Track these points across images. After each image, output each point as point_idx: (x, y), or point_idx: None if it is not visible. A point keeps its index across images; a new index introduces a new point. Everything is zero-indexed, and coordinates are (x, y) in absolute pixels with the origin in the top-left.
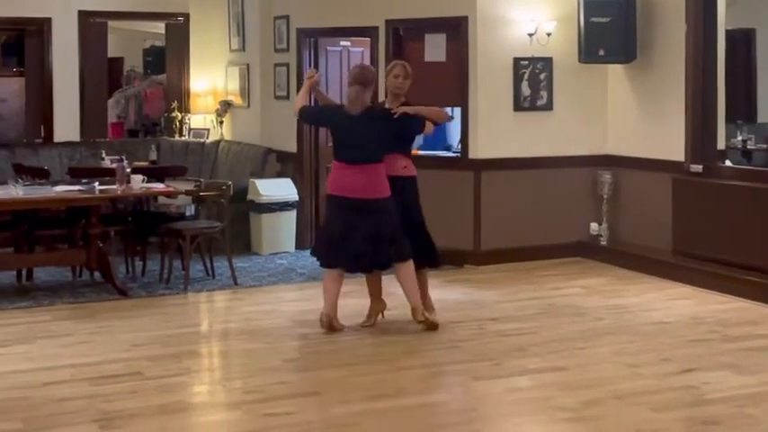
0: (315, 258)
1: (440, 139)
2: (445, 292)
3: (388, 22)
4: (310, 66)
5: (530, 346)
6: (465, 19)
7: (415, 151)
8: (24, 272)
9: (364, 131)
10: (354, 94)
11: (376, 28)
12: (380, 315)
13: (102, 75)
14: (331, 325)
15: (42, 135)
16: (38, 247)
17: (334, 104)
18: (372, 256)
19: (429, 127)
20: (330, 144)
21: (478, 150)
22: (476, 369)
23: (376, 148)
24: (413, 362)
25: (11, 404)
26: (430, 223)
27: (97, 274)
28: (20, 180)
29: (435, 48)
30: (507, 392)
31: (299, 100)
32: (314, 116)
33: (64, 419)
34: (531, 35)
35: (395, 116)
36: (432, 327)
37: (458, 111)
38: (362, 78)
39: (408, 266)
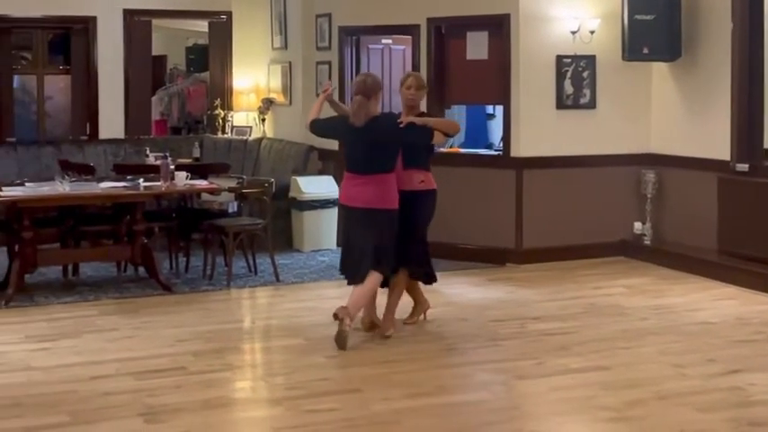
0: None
1: (481, 138)
2: (487, 290)
3: (429, 20)
4: (352, 64)
5: (572, 346)
6: (507, 17)
7: (455, 149)
8: (70, 267)
9: (368, 142)
10: (357, 105)
11: (418, 26)
12: (423, 315)
13: (146, 73)
14: (372, 325)
15: (88, 132)
16: (83, 242)
17: (342, 116)
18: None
19: (439, 138)
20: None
21: (520, 148)
22: (518, 368)
23: (383, 159)
24: (454, 360)
25: (58, 398)
26: (472, 221)
27: (141, 270)
28: (66, 176)
29: (477, 46)
30: (550, 391)
31: (311, 113)
32: (323, 129)
33: (110, 413)
34: (574, 33)
35: (401, 126)
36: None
37: (500, 109)
38: (364, 89)
39: (375, 278)
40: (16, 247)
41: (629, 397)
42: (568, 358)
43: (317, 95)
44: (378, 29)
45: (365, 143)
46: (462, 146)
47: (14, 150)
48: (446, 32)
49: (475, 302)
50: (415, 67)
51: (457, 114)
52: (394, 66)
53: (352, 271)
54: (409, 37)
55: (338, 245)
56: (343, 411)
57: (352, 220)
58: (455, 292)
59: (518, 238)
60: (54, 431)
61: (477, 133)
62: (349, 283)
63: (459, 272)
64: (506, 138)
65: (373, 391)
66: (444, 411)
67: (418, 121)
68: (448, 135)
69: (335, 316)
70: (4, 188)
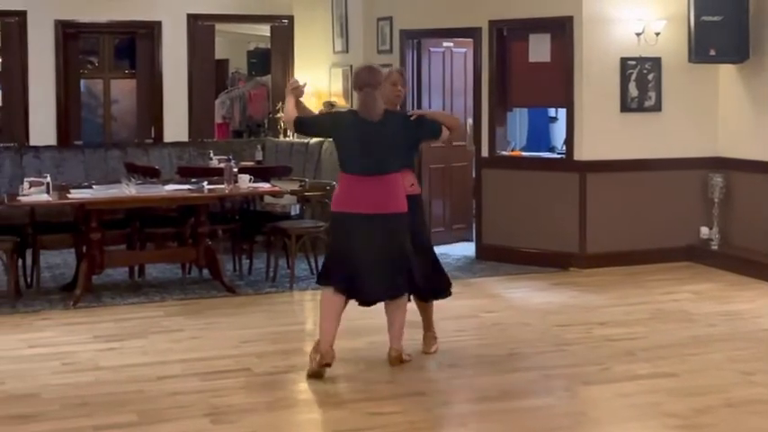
0: (322, 284)
1: (544, 141)
2: (551, 294)
3: (491, 22)
4: (413, 67)
5: (639, 351)
6: (570, 19)
7: (517, 152)
8: (136, 269)
9: (384, 139)
10: (372, 98)
11: (479, 29)
12: (435, 346)
13: (209, 76)
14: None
15: (153, 135)
16: (149, 244)
17: (338, 112)
18: (380, 286)
19: (446, 132)
20: (432, 144)
21: (584, 152)
22: (584, 373)
23: (395, 157)
24: (518, 364)
25: (126, 397)
26: (534, 225)
27: (206, 272)
28: (132, 179)
29: (540, 48)
30: (616, 397)
31: (291, 111)
32: (315, 126)
33: (176, 413)
34: (638, 35)
35: (411, 119)
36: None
37: (562, 112)
38: (375, 80)
39: (402, 302)
40: (84, 249)
41: (697, 404)
42: (635, 364)
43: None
44: (439, 32)
45: (380, 140)
46: (524, 149)
47: (82, 153)
48: (508, 35)
49: (538, 307)
50: (477, 69)
51: (519, 117)
52: (455, 69)
53: (351, 286)
54: (470, 40)
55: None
56: (406, 414)
57: (361, 229)
58: (517, 296)
59: (582, 242)
60: (122, 430)
61: (540, 136)
62: (361, 303)
63: (522, 276)
64: (569, 141)
65: (437, 395)
66: (509, 417)
67: (427, 113)
68: (450, 131)
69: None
70: (72, 190)
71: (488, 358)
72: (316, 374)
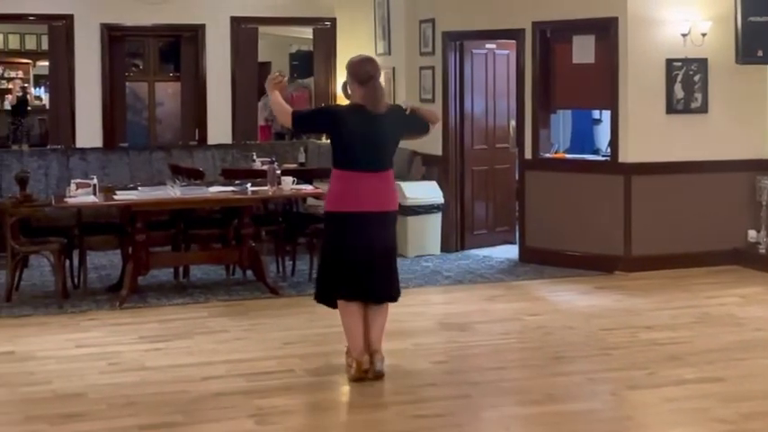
0: (323, 300)
1: (588, 143)
2: (595, 298)
3: (535, 24)
4: (456, 69)
5: (685, 356)
6: (615, 20)
7: (561, 154)
8: (181, 269)
9: (387, 133)
10: (380, 90)
11: (522, 30)
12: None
13: (252, 79)
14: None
15: (197, 137)
16: (193, 245)
17: (338, 105)
18: (384, 286)
19: (431, 128)
20: (474, 147)
21: (629, 154)
22: (629, 378)
23: (392, 152)
24: (563, 368)
25: (171, 397)
26: (579, 228)
27: (249, 273)
28: (176, 181)
29: (584, 49)
30: (663, 402)
31: (284, 106)
32: (315, 120)
33: (221, 414)
34: (684, 35)
35: (407, 113)
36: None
37: (606, 114)
38: (377, 72)
39: (386, 308)
40: (130, 250)
41: (745, 409)
42: (681, 369)
43: (421, 101)
44: (482, 34)
45: (384, 134)
46: (568, 151)
47: (127, 155)
48: (551, 36)
49: (582, 310)
50: (520, 71)
51: (562, 119)
52: (498, 71)
53: (360, 288)
54: (513, 41)
55: (322, 261)
56: (451, 417)
57: (366, 229)
58: (562, 299)
59: (627, 245)
60: (168, 430)
61: (584, 138)
62: (366, 299)
63: (566, 279)
64: (614, 143)
65: (482, 398)
66: (554, 420)
67: (416, 107)
68: (432, 125)
69: (364, 370)
70: (118, 192)
71: (533, 361)
72: (358, 379)
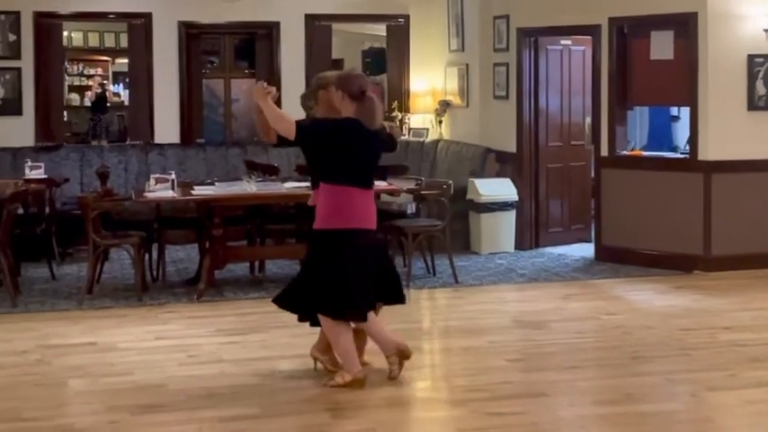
0: (346, 316)
1: (665, 140)
2: (674, 297)
3: (611, 19)
4: (530, 65)
5: (766, 358)
6: (694, 15)
7: (638, 152)
8: (257, 264)
9: (378, 150)
10: (377, 106)
11: (598, 26)
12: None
13: None
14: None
15: None
16: (268, 240)
17: (336, 118)
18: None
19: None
20: (549, 144)
21: (708, 152)
22: (709, 379)
23: (376, 169)
24: (641, 368)
25: (249, 390)
26: (657, 227)
27: None
28: (252, 176)
29: (662, 45)
30: (743, 405)
31: (283, 116)
32: (315, 132)
33: (298, 407)
34: (766, 30)
35: (387, 131)
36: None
37: (685, 111)
38: (368, 85)
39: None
40: (207, 244)
41: None
42: (763, 371)
43: (495, 98)
44: (557, 30)
45: (376, 151)
46: (645, 148)
47: (203, 151)
48: (629, 32)
49: (661, 310)
50: (596, 68)
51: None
52: (573, 67)
53: (366, 303)
54: (589, 37)
55: (329, 280)
56: (528, 416)
57: (368, 247)
58: (640, 298)
59: (706, 244)
60: (246, 422)
61: (661, 136)
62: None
63: (644, 278)
64: (693, 140)
65: (559, 397)
66: (633, 420)
67: (394, 126)
68: None
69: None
70: (195, 187)
71: (610, 361)
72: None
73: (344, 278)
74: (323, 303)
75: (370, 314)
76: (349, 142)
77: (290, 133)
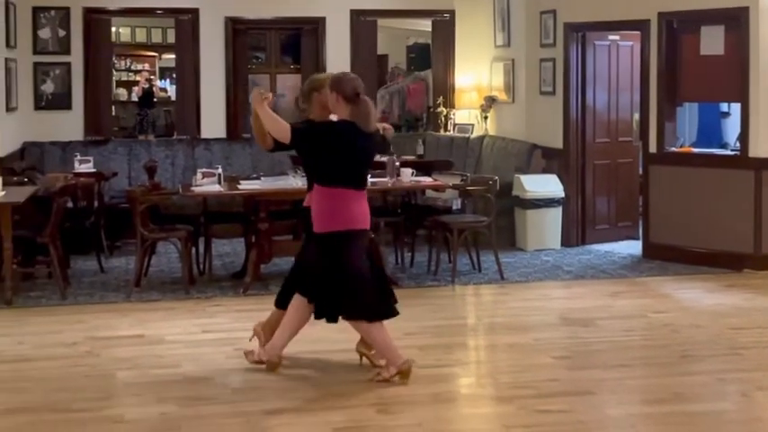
0: (380, 316)
1: (715, 137)
2: (723, 296)
3: (661, 14)
4: (578, 61)
5: None
6: (745, 10)
7: (687, 148)
8: None
9: (372, 152)
10: (372, 108)
11: (647, 21)
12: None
13: (371, 71)
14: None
15: None
16: None
17: (330, 121)
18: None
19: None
20: (596, 140)
21: (759, 148)
22: (760, 378)
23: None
24: (691, 367)
25: (295, 383)
26: (706, 224)
27: None
28: (297, 171)
29: (712, 40)
30: None
31: (278, 120)
32: (311, 137)
33: (344, 401)
34: None
35: (380, 133)
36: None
37: (735, 107)
38: (361, 87)
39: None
40: (253, 239)
41: None
42: None
43: (541, 93)
44: (605, 25)
45: (370, 153)
46: (694, 145)
47: (249, 146)
48: (678, 27)
49: (710, 308)
50: (645, 64)
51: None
52: (621, 62)
53: (391, 298)
54: (638, 32)
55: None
56: (575, 414)
57: (366, 246)
58: (688, 296)
59: (757, 242)
60: (292, 415)
61: (711, 132)
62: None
63: (692, 276)
64: (744, 137)
65: (607, 395)
66: (682, 420)
67: (388, 128)
68: None
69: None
70: (242, 181)
71: (659, 359)
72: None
73: (363, 279)
74: (351, 309)
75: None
76: (343, 144)
77: (285, 137)
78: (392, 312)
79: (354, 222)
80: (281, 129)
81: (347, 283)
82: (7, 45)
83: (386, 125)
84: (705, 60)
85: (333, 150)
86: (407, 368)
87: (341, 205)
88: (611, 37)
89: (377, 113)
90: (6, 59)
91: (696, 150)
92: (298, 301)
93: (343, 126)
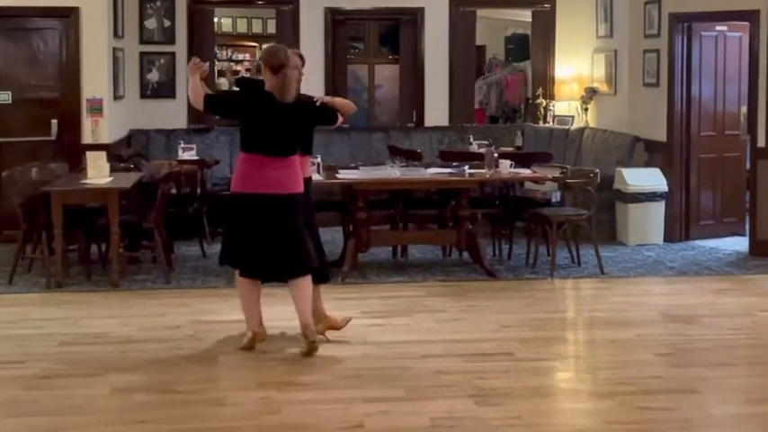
0: (229, 266)
1: None
2: None
3: None
4: (683, 52)
5: None
6: None
7: None
8: (399, 248)
9: (292, 122)
10: (291, 80)
11: (757, 11)
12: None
13: (470, 62)
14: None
15: (414, 119)
16: (410, 225)
17: (250, 90)
18: (280, 265)
19: (340, 119)
20: (702, 133)
21: None
22: None
23: (298, 141)
24: None
25: (393, 372)
26: None
27: (465, 255)
28: (395, 161)
29: None
30: None
31: (198, 89)
32: (226, 103)
33: (442, 391)
34: None
35: (317, 105)
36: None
37: None
38: (289, 61)
39: (302, 283)
40: (351, 228)
41: None
42: None
43: (644, 85)
44: (712, 15)
45: (290, 123)
46: None
47: (348, 135)
48: None
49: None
50: (754, 55)
51: None
52: (729, 54)
53: (259, 267)
54: (747, 23)
55: (227, 239)
56: (679, 411)
57: (264, 210)
58: None
59: None
60: (391, 404)
61: None
62: (264, 280)
63: None
64: None
65: (710, 393)
66: None
67: (327, 100)
68: (344, 116)
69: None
70: (340, 170)
71: (765, 359)
72: (248, 348)
73: (230, 239)
74: (291, 265)
75: (249, 283)
76: (256, 113)
77: (198, 104)
78: (254, 274)
79: (249, 186)
80: (196, 97)
81: (281, 241)
82: (115, 35)
83: (322, 96)
84: None
85: (245, 117)
86: (255, 334)
87: (245, 170)
88: (718, 28)
89: (297, 85)
90: (114, 49)
91: None
92: (235, 278)
93: (256, 95)
